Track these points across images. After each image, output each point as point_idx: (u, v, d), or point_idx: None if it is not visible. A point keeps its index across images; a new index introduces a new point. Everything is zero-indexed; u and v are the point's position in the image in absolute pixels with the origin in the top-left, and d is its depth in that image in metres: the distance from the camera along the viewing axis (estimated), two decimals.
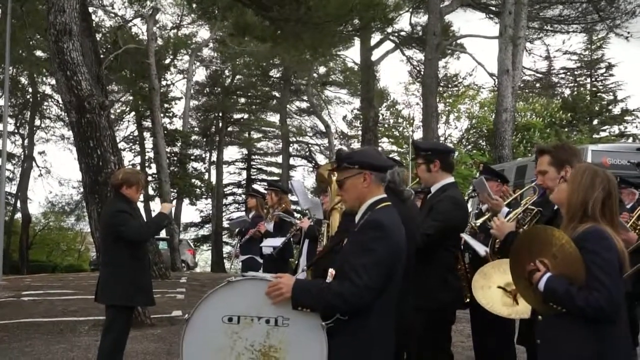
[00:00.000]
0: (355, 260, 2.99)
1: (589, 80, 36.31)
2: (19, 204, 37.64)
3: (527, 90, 33.16)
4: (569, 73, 36.34)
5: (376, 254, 2.99)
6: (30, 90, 36.95)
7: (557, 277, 2.93)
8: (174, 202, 34.44)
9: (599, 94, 35.29)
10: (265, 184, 14.75)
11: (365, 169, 3.21)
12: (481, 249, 4.27)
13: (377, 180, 3.24)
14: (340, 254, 3.24)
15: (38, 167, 39.05)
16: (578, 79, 36.37)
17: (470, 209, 6.10)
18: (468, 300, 5.06)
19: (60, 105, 33.05)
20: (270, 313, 3.04)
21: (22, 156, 38.32)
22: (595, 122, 34.42)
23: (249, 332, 3.04)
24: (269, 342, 3.02)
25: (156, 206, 36.23)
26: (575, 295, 2.87)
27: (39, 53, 31.62)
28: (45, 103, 38.02)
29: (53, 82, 30.53)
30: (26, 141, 38.40)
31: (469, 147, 31.01)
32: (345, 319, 3.01)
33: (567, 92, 35.90)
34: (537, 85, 35.16)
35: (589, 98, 34.66)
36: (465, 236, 4.51)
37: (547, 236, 3.01)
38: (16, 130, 37.99)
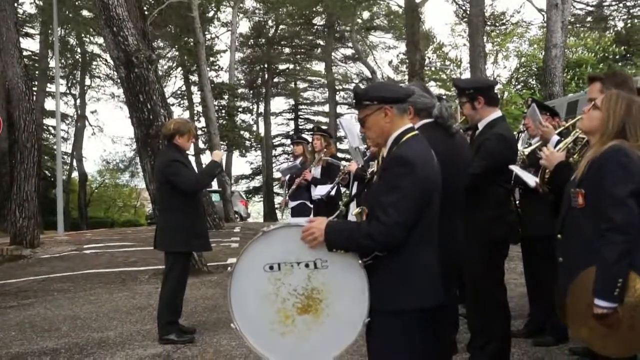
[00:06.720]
0: (382, 199, 2.94)
1: None
2: (74, 163, 38.70)
3: (577, 25, 32.05)
4: (621, 4, 34.88)
5: (402, 190, 2.92)
6: (79, 50, 37.56)
7: None
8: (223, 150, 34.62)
9: None
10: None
11: (384, 103, 3.09)
12: (531, 180, 4.23)
13: (398, 112, 3.11)
14: (370, 193, 3.23)
15: (91, 126, 40.06)
16: (631, 10, 34.85)
17: (520, 146, 6.04)
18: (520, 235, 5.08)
19: (109, 64, 33.58)
20: (309, 257, 3.07)
21: (75, 116, 39.25)
22: None
23: (290, 277, 3.09)
24: (311, 285, 3.07)
25: (207, 159, 36.81)
26: None
27: (85, 13, 32.00)
28: (95, 62, 38.67)
29: (100, 41, 30.98)
30: (78, 101, 39.29)
31: (519, 86, 30.29)
32: (383, 255, 2.99)
33: (620, 24, 34.50)
34: (588, 19, 33.91)
35: None
36: (514, 167, 4.47)
37: None
38: (68, 91, 38.86)
